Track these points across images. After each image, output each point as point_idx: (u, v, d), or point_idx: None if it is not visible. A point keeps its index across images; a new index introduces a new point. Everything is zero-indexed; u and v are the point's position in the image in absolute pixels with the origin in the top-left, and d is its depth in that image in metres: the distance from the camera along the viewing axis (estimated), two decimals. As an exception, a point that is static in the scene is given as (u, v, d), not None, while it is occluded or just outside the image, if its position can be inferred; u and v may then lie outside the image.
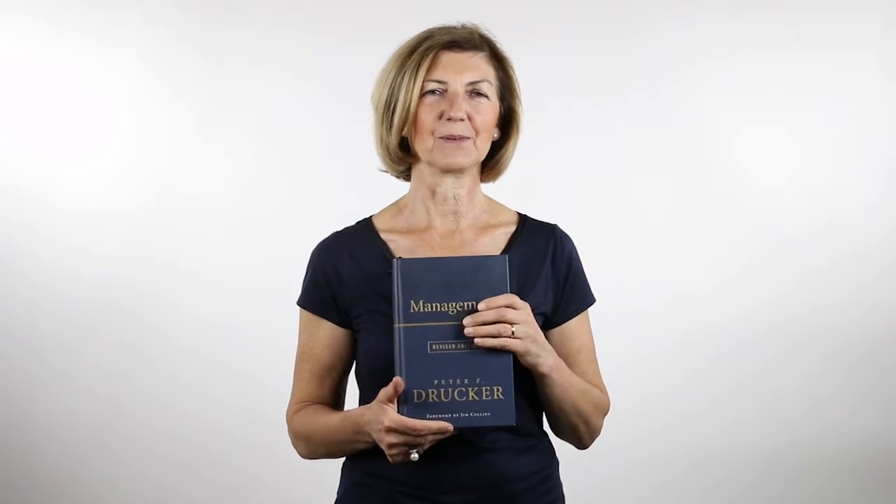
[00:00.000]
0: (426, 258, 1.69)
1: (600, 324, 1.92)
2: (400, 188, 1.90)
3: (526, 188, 2.04)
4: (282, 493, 3.48)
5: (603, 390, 1.84)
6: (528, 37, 3.36)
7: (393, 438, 1.61)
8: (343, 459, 1.85)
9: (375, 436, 1.64)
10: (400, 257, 1.63)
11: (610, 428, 1.92)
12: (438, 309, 1.61)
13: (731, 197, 3.61)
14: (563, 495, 1.85)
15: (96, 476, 3.49)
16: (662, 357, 3.56)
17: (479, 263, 1.64)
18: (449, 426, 1.60)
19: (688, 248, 3.60)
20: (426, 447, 1.63)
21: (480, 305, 1.61)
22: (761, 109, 3.61)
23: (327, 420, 1.78)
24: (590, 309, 1.86)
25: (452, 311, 1.61)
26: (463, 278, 1.61)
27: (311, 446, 1.82)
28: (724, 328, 3.58)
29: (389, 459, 1.64)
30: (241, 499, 3.51)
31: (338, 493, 1.86)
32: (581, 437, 1.82)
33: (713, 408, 3.57)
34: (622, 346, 3.41)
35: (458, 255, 1.77)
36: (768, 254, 3.61)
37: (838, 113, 3.63)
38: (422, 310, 1.61)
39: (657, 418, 3.54)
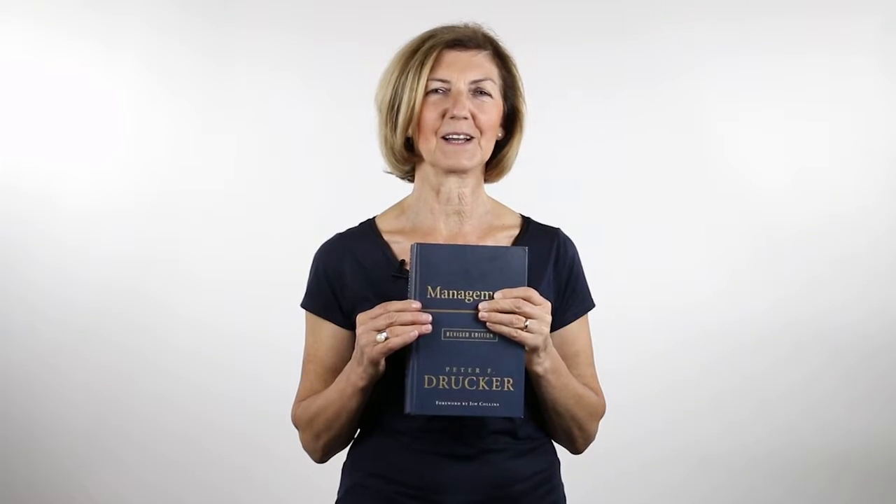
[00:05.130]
0: (445, 244, 1.67)
1: (601, 325, 1.93)
2: (402, 188, 1.90)
3: (525, 189, 2.04)
4: (281, 494, 3.48)
5: (599, 394, 1.84)
6: (528, 38, 3.35)
7: (372, 323, 1.61)
8: (343, 460, 1.85)
9: (359, 331, 1.63)
10: (418, 243, 1.61)
11: (612, 428, 1.92)
12: (455, 296, 1.60)
13: (731, 198, 3.62)
14: (564, 496, 1.85)
15: (96, 476, 3.49)
16: (663, 358, 3.56)
17: (498, 254, 1.62)
18: (416, 303, 1.59)
19: (688, 249, 3.61)
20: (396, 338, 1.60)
21: (497, 294, 1.60)
22: (762, 111, 3.62)
23: (322, 393, 1.76)
24: (592, 310, 1.86)
25: (468, 300, 1.60)
26: (481, 267, 1.60)
27: (314, 430, 1.78)
28: (723, 329, 3.58)
29: (366, 352, 1.62)
30: (242, 500, 3.51)
31: (338, 494, 1.85)
32: (575, 441, 1.82)
33: (714, 408, 3.58)
34: (623, 346, 3.42)
35: None
36: (768, 254, 3.62)
37: (838, 114, 3.64)
38: (438, 296, 1.60)
39: (658, 419, 3.54)
